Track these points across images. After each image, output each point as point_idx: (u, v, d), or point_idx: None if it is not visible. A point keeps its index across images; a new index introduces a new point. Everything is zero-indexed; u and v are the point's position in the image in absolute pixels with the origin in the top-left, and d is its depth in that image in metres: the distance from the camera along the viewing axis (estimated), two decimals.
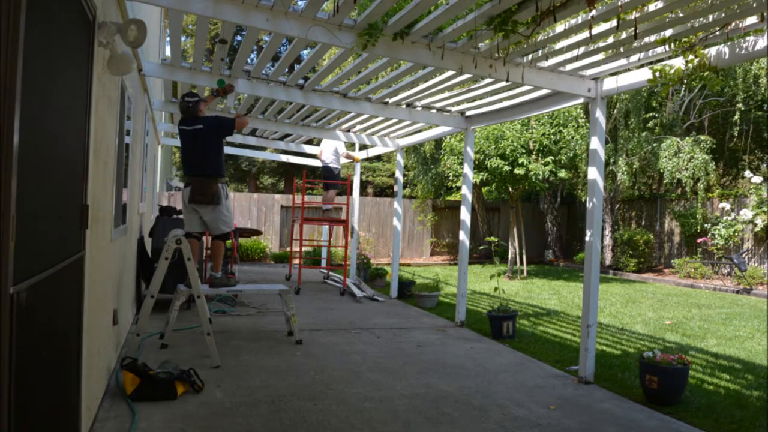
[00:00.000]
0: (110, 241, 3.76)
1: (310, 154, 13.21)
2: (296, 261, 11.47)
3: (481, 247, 16.18)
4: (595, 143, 4.82)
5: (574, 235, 17.84)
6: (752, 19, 3.44)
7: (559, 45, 4.28)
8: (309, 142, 18.97)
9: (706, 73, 3.62)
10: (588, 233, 4.84)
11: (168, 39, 5.47)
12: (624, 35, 3.96)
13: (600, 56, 4.32)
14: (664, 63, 3.96)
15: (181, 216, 7.50)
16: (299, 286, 9.10)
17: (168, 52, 5.66)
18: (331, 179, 10.23)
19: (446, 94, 6.27)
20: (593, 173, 4.83)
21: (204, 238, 8.34)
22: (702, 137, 13.32)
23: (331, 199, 10.51)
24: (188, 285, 4.95)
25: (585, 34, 3.99)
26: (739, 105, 12.83)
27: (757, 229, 12.60)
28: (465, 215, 6.97)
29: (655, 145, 13.47)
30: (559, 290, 10.96)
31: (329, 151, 10.31)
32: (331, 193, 10.60)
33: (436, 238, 17.23)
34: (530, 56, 4.61)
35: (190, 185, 5.23)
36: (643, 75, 4.34)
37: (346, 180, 10.17)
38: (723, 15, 3.44)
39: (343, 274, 9.52)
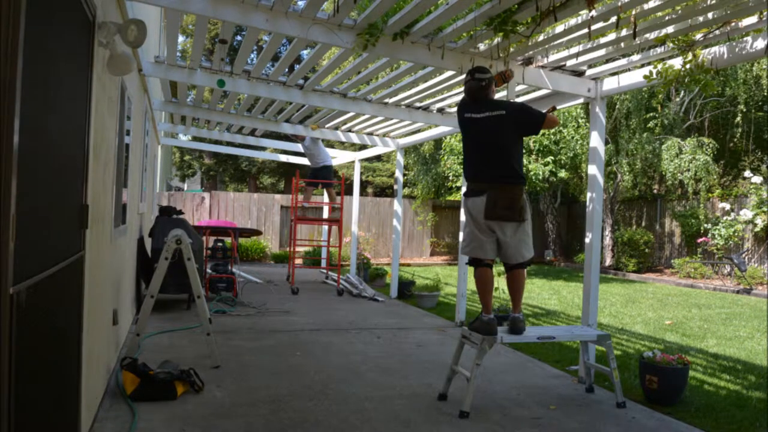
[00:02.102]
0: (110, 241, 3.76)
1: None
2: (297, 261, 11.49)
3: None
4: (595, 142, 4.82)
5: (574, 235, 17.84)
6: (751, 20, 3.44)
7: (559, 45, 4.28)
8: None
9: (702, 76, 3.62)
10: (588, 233, 4.84)
11: (165, 38, 5.47)
12: (623, 33, 3.96)
13: (601, 52, 4.32)
14: (663, 62, 3.96)
15: (181, 216, 7.51)
16: (293, 286, 9.04)
17: (165, 51, 5.65)
18: (330, 178, 10.13)
19: (446, 94, 6.28)
20: (593, 172, 4.83)
21: (205, 237, 8.35)
22: (705, 139, 13.33)
23: (334, 199, 10.46)
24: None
25: (585, 35, 4.00)
26: (741, 106, 12.84)
27: (757, 229, 12.61)
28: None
29: (656, 145, 13.47)
30: (559, 290, 10.96)
31: (324, 150, 10.12)
32: (332, 192, 10.56)
33: (436, 238, 17.23)
34: (531, 56, 4.62)
35: (486, 194, 3.88)
36: (643, 75, 4.34)
37: (341, 179, 10.10)
38: (721, 14, 3.44)
39: (338, 273, 9.48)
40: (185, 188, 28.19)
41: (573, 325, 7.31)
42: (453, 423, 3.62)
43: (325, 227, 12.97)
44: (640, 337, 6.70)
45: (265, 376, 4.40)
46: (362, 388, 4.21)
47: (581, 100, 5.03)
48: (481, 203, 3.91)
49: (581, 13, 3.77)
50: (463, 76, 5.05)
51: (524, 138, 4.40)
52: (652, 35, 3.88)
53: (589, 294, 4.78)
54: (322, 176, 10.04)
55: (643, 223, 15.86)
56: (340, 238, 9.63)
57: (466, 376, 3.85)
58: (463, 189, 4.51)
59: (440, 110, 6.95)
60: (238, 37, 20.22)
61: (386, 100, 6.65)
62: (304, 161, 13.10)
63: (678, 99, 13.90)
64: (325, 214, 13.07)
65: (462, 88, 5.94)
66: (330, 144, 18.82)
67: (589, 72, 4.80)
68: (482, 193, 3.91)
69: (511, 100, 4.49)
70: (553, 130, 11.48)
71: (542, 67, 4.72)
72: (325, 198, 13.19)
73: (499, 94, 5.73)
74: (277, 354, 5.10)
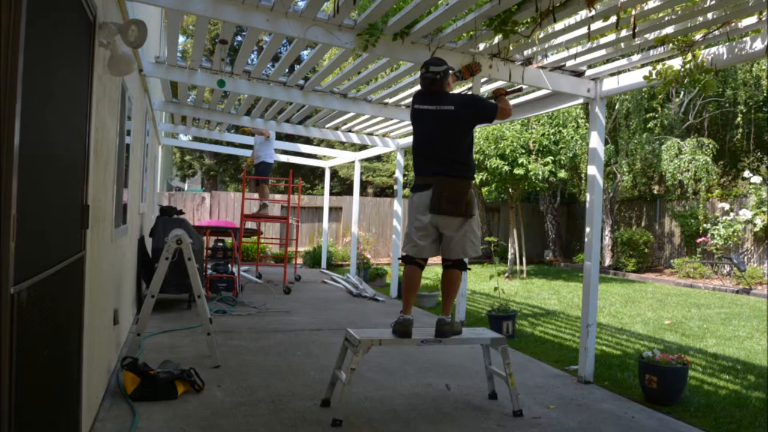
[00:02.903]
0: (111, 241, 3.77)
1: (309, 154, 13.24)
2: (298, 261, 11.49)
3: (480, 247, 16.17)
4: (595, 143, 4.83)
5: (573, 235, 17.85)
6: (751, 20, 3.45)
7: (558, 45, 4.28)
8: (308, 141, 19.00)
9: (702, 76, 3.63)
10: (587, 233, 4.85)
11: (165, 38, 5.47)
12: (623, 33, 3.97)
13: (600, 52, 4.32)
14: (662, 62, 3.97)
15: (182, 216, 7.52)
16: (286, 285, 9.00)
17: (165, 51, 5.65)
18: (266, 175, 9.85)
19: None
20: (593, 172, 4.84)
21: (205, 237, 8.35)
22: (704, 140, 13.33)
23: (265, 196, 9.99)
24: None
25: (585, 35, 4.00)
26: (741, 107, 12.85)
27: (756, 229, 12.61)
28: None
29: (655, 146, 13.48)
30: (558, 290, 10.97)
31: (270, 148, 9.83)
32: (264, 189, 10.11)
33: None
34: (531, 56, 4.62)
35: (431, 189, 3.76)
36: (642, 75, 4.35)
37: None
38: (721, 14, 3.45)
39: (284, 269, 9.18)
40: (186, 188, 28.18)
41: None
42: (453, 423, 3.62)
43: (325, 226, 12.97)
44: (639, 337, 6.70)
45: (265, 376, 4.40)
46: (362, 387, 4.22)
47: (581, 101, 5.04)
48: (426, 197, 3.78)
49: (581, 12, 3.78)
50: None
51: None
52: (651, 35, 3.88)
53: (589, 294, 4.78)
54: (259, 172, 9.77)
55: (643, 223, 15.86)
56: (286, 235, 9.39)
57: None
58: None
59: None
60: (239, 38, 20.23)
61: (386, 101, 6.66)
62: (303, 161, 13.12)
63: (678, 99, 13.91)
64: (326, 214, 13.08)
65: (461, 88, 5.95)
66: (330, 144, 18.84)
67: (589, 72, 4.81)
68: (428, 187, 3.79)
69: (465, 94, 4.33)
70: (552, 130, 11.48)
71: (542, 67, 4.72)
72: (325, 198, 13.21)
73: (463, 88, 5.73)
74: (277, 354, 5.10)
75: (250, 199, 10.77)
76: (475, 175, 4.66)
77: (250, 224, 12.53)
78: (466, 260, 4.15)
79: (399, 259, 4.18)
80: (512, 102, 6.04)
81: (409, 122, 7.66)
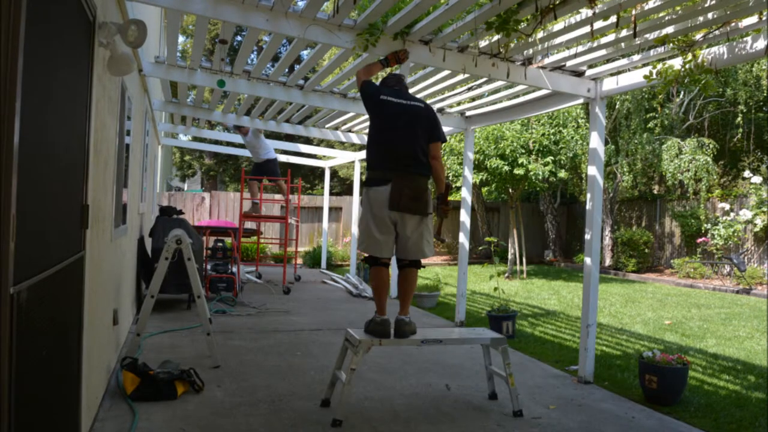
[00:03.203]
0: (110, 241, 3.77)
1: (309, 154, 13.24)
2: (298, 261, 11.49)
3: (480, 248, 16.19)
4: (595, 143, 4.82)
5: (573, 235, 17.84)
6: (751, 20, 3.45)
7: (559, 45, 4.28)
8: (308, 141, 18.99)
9: (702, 76, 3.62)
10: (587, 232, 4.85)
11: (165, 38, 5.47)
12: (623, 33, 3.97)
13: (601, 52, 4.32)
14: (663, 62, 3.97)
15: (181, 216, 7.51)
16: (286, 285, 8.97)
17: (165, 51, 5.64)
18: (276, 172, 9.54)
19: (446, 94, 6.28)
20: (593, 172, 4.83)
21: (205, 237, 8.35)
22: (705, 140, 13.33)
23: (285, 194, 9.65)
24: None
25: (585, 34, 4.00)
26: (741, 107, 12.85)
27: (756, 229, 12.61)
28: (465, 217, 6.98)
29: (655, 146, 13.48)
30: (558, 290, 10.96)
31: (266, 143, 9.55)
32: (282, 186, 9.80)
33: (435, 238, 17.21)
34: (531, 56, 4.62)
35: (391, 183, 3.67)
36: (642, 75, 4.35)
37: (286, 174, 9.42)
38: (721, 14, 3.45)
39: (284, 269, 8.99)
40: (185, 188, 28.18)
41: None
42: (453, 423, 3.62)
43: (325, 226, 12.97)
44: (639, 337, 6.70)
45: (265, 376, 4.40)
46: (362, 387, 4.22)
47: (581, 101, 5.03)
48: (384, 193, 3.66)
49: (581, 11, 3.77)
50: (465, 75, 5.07)
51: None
52: (652, 35, 3.88)
53: (589, 294, 4.78)
54: (268, 171, 9.47)
55: (643, 223, 15.86)
56: (285, 235, 9.29)
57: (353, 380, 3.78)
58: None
59: (440, 110, 6.95)
60: (238, 38, 20.22)
61: None
62: (303, 161, 13.11)
63: (678, 99, 13.91)
64: (326, 214, 13.07)
65: (463, 88, 5.95)
66: (330, 144, 18.83)
67: (589, 72, 4.80)
68: (386, 182, 3.68)
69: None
70: (553, 131, 11.48)
71: (542, 67, 4.72)
72: (325, 198, 13.20)
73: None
74: (277, 354, 5.10)
75: (269, 200, 10.64)
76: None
77: (250, 224, 12.54)
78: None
79: (362, 260, 4.00)
80: (511, 102, 6.04)
81: None
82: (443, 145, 4.17)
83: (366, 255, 3.94)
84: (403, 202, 3.64)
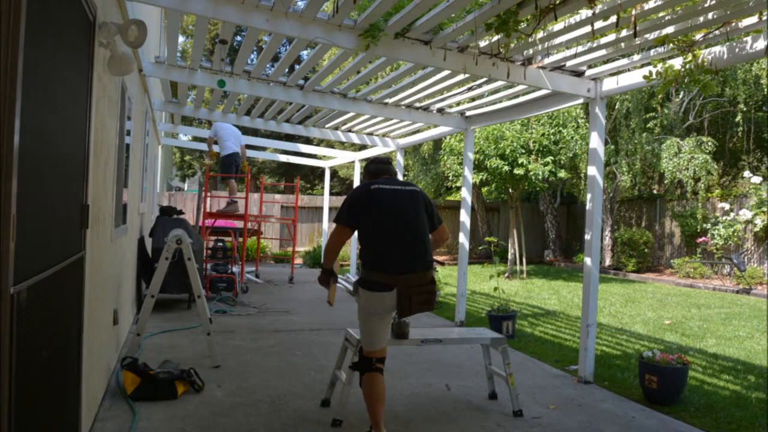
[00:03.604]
0: (110, 241, 3.77)
1: (309, 154, 13.24)
2: (297, 261, 11.48)
3: (480, 248, 16.19)
4: (595, 143, 4.83)
5: (573, 235, 17.85)
6: (751, 20, 3.45)
7: (559, 45, 4.28)
8: (308, 141, 18.99)
9: (702, 76, 3.62)
10: (587, 232, 4.85)
11: (165, 38, 5.46)
12: (623, 33, 3.97)
13: (601, 52, 4.32)
14: (662, 62, 3.97)
15: (182, 216, 7.51)
16: (244, 283, 8.77)
17: (165, 51, 5.63)
18: (236, 167, 9.24)
19: (446, 94, 6.28)
20: (593, 172, 4.84)
21: (203, 241, 8.35)
22: (704, 139, 13.33)
23: (234, 191, 9.47)
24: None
25: (585, 34, 4.00)
26: (741, 106, 12.84)
27: (756, 229, 12.61)
28: (464, 218, 6.99)
29: (655, 145, 13.48)
30: (558, 290, 10.96)
31: (234, 137, 9.25)
32: (234, 183, 9.60)
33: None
34: (531, 56, 4.62)
35: (395, 289, 3.12)
36: (642, 75, 4.35)
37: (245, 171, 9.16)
38: (721, 14, 3.45)
39: (242, 268, 8.80)
40: (185, 188, 28.19)
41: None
42: (453, 423, 3.62)
43: (325, 226, 12.97)
44: (639, 337, 6.70)
45: (265, 376, 4.40)
46: None
47: (581, 101, 5.03)
48: (390, 300, 3.12)
49: (581, 11, 3.77)
50: (465, 75, 5.07)
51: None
52: (652, 35, 3.88)
53: (589, 294, 4.78)
54: (224, 166, 9.25)
55: (643, 223, 15.86)
56: (245, 233, 9.20)
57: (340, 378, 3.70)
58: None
59: (440, 110, 6.95)
60: (238, 38, 20.22)
61: (386, 101, 6.65)
62: (303, 161, 13.11)
63: (677, 99, 13.90)
64: (326, 214, 13.08)
65: (463, 88, 5.95)
66: (330, 144, 18.83)
67: (589, 72, 4.80)
68: (391, 288, 3.10)
69: None
70: (552, 130, 11.48)
71: (542, 67, 4.72)
72: (325, 198, 13.21)
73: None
74: (277, 354, 5.10)
75: (269, 200, 10.59)
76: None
77: (250, 224, 12.52)
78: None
79: (350, 367, 3.45)
80: (511, 102, 6.04)
81: (410, 122, 7.70)
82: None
83: (355, 361, 3.41)
84: (415, 308, 3.16)
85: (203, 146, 13.68)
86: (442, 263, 3.75)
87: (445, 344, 3.93)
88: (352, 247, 11.04)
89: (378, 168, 3.48)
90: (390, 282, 3.11)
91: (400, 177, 9.24)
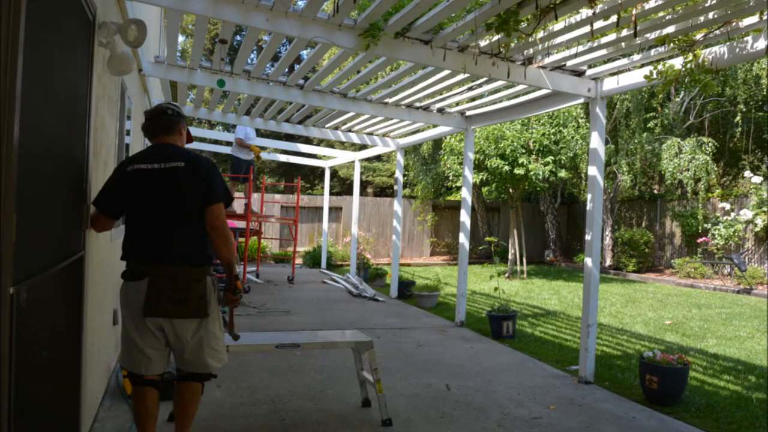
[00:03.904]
0: (110, 240, 3.77)
1: (309, 154, 13.23)
2: (297, 261, 11.48)
3: (480, 248, 16.19)
4: (596, 143, 4.82)
5: (574, 235, 17.84)
6: (752, 19, 3.45)
7: (559, 45, 4.28)
8: (308, 141, 18.98)
9: (703, 76, 3.62)
10: (588, 232, 4.84)
11: (165, 38, 5.47)
12: (624, 33, 3.96)
13: (601, 52, 4.32)
14: (663, 62, 3.96)
15: None
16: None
17: (165, 51, 5.63)
18: (242, 172, 9.36)
19: (446, 94, 6.28)
20: (593, 172, 4.83)
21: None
22: (704, 139, 13.33)
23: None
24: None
25: (586, 34, 4.00)
26: (740, 106, 12.84)
27: (757, 229, 12.61)
28: (465, 218, 6.98)
29: (655, 145, 13.48)
30: (558, 290, 10.96)
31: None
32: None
33: (435, 238, 17.24)
34: (531, 55, 4.62)
35: (146, 280, 2.66)
36: (643, 75, 4.34)
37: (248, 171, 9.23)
38: (722, 14, 3.44)
39: (244, 268, 8.82)
40: None
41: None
42: (453, 423, 3.62)
43: (325, 226, 12.97)
44: (640, 337, 6.70)
45: (265, 376, 4.40)
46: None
47: (581, 100, 5.03)
48: (140, 293, 2.64)
49: (581, 11, 3.77)
50: (465, 75, 5.06)
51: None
52: (652, 35, 3.88)
53: (589, 294, 4.78)
54: (242, 169, 9.40)
55: (644, 223, 15.86)
56: (247, 233, 9.20)
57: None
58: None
59: (440, 110, 6.95)
60: (238, 37, 20.21)
61: (386, 100, 6.65)
62: (303, 161, 13.10)
63: (678, 99, 13.90)
64: (326, 214, 13.08)
65: (463, 87, 5.94)
66: (330, 144, 18.83)
67: (590, 72, 4.80)
68: (142, 277, 2.65)
69: (201, 155, 2.95)
70: (553, 130, 11.48)
71: (542, 67, 4.72)
72: (325, 197, 13.21)
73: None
74: (277, 354, 5.09)
75: (269, 201, 10.58)
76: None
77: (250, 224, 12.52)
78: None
79: (125, 378, 3.02)
80: (511, 102, 6.03)
81: (410, 122, 7.70)
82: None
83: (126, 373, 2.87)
84: (162, 306, 2.63)
85: (203, 146, 13.69)
86: (235, 335, 3.14)
87: (304, 348, 3.52)
88: (352, 248, 11.04)
89: (145, 135, 2.93)
90: (137, 269, 2.69)
91: (398, 174, 9.32)
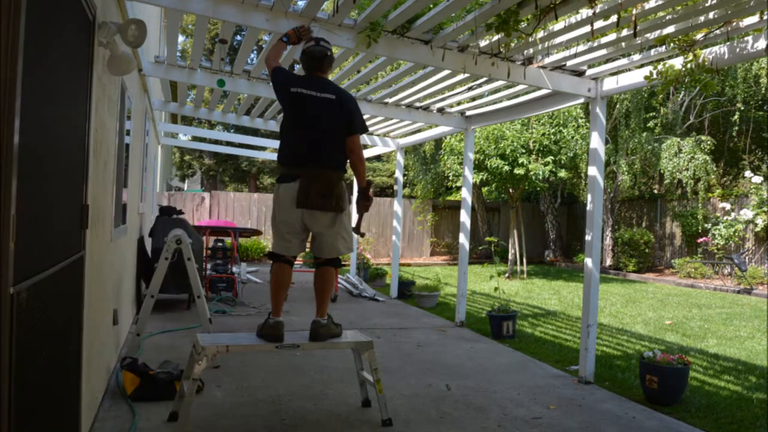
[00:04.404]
0: (110, 241, 3.76)
1: None
2: (297, 261, 11.45)
3: (480, 248, 16.18)
4: (596, 142, 4.82)
5: (574, 235, 17.84)
6: (752, 19, 3.45)
7: (559, 45, 4.28)
8: None
9: (703, 76, 3.62)
10: (588, 233, 4.84)
11: (165, 38, 5.47)
12: (624, 33, 3.96)
13: (601, 52, 4.32)
14: (663, 62, 3.96)
15: (181, 216, 7.51)
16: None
17: (165, 51, 5.64)
18: None
19: (446, 94, 6.28)
20: (593, 172, 4.83)
21: (205, 237, 8.34)
22: (703, 138, 13.33)
23: None
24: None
25: (586, 34, 4.00)
26: (739, 105, 12.84)
27: (757, 229, 12.61)
28: (465, 218, 6.98)
29: (655, 145, 13.48)
30: (559, 290, 10.96)
31: None
32: None
33: (436, 238, 17.23)
34: (531, 55, 4.62)
35: (298, 180, 3.43)
36: (643, 75, 4.34)
37: None
38: (722, 14, 3.44)
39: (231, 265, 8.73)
40: (185, 188, 28.18)
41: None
42: (453, 423, 3.62)
43: None
44: (640, 337, 6.70)
45: (265, 376, 4.40)
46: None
47: (581, 100, 5.03)
48: (293, 190, 3.43)
49: (581, 11, 3.77)
50: (465, 75, 5.06)
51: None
52: (652, 35, 3.88)
53: (589, 294, 4.78)
54: None
55: (644, 224, 15.86)
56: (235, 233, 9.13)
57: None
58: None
59: (440, 110, 6.95)
60: (238, 37, 20.20)
61: (386, 100, 6.65)
62: None
63: (677, 99, 13.90)
64: None
65: (463, 87, 5.94)
66: None
67: (590, 72, 4.80)
68: (295, 179, 3.44)
69: (346, 91, 3.73)
70: (553, 130, 11.47)
71: (542, 67, 4.71)
72: None
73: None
74: (277, 354, 5.09)
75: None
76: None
77: (251, 225, 12.54)
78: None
79: (265, 255, 3.93)
80: (511, 102, 6.04)
81: (410, 122, 7.70)
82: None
83: (268, 251, 3.67)
84: (312, 200, 3.41)
85: (204, 146, 13.70)
86: (362, 233, 3.95)
87: (306, 351, 3.55)
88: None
89: (302, 64, 3.73)
90: (291, 173, 3.49)
91: (398, 174, 9.31)
